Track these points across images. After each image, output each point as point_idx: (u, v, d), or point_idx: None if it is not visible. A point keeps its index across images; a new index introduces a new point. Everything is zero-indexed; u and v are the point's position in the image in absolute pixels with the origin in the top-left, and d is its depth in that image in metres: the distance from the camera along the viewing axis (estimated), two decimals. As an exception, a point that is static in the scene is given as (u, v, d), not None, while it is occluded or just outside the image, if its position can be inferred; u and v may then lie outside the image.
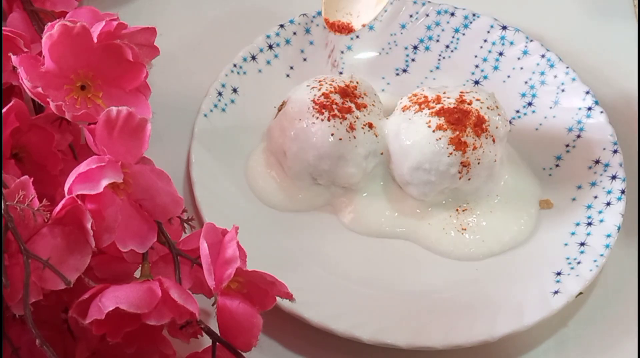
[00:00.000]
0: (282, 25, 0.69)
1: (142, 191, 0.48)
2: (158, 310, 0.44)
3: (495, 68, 0.69)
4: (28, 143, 0.51)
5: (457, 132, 0.58)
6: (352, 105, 0.61)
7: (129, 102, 0.51)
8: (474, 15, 0.69)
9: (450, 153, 0.58)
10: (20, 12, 0.59)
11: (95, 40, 0.49)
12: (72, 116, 0.49)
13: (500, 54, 0.69)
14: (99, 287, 0.44)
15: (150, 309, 0.43)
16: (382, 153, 0.61)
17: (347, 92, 0.61)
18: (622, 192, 0.60)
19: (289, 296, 0.47)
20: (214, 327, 0.47)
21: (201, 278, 0.49)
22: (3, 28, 0.52)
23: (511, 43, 0.68)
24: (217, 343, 0.47)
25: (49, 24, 0.49)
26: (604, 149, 0.63)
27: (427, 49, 0.70)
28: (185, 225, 0.52)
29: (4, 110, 0.48)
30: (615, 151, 0.62)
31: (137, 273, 0.49)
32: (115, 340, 0.45)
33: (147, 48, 0.54)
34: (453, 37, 0.70)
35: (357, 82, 0.63)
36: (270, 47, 0.68)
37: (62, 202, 0.44)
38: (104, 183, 0.44)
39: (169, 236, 0.50)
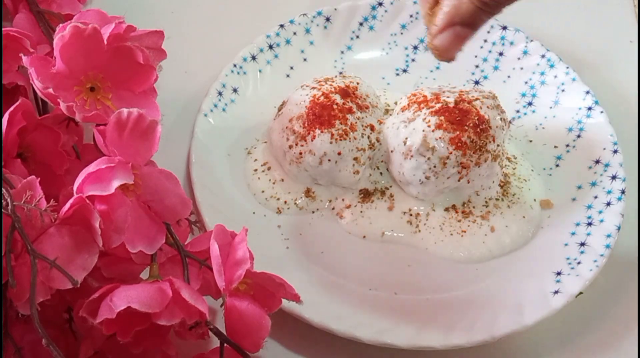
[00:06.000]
0: (282, 25, 0.69)
1: (151, 192, 0.48)
2: (169, 310, 0.44)
3: (495, 68, 0.69)
4: (33, 142, 0.52)
5: (457, 132, 0.58)
6: (353, 106, 0.61)
7: (138, 104, 0.51)
8: (474, 15, 0.69)
9: (450, 153, 0.58)
10: (26, 13, 0.60)
11: (105, 42, 0.50)
12: (82, 116, 0.49)
13: (500, 54, 0.69)
14: (109, 287, 0.44)
15: (161, 309, 0.43)
16: (382, 161, 0.62)
17: (348, 93, 0.61)
18: (622, 192, 0.60)
19: (296, 299, 0.47)
20: (220, 328, 0.47)
21: (209, 280, 0.49)
22: (9, 28, 0.52)
23: (511, 43, 0.68)
24: (225, 344, 0.47)
25: (61, 25, 0.50)
26: (604, 149, 0.63)
27: (427, 49, 0.70)
28: (193, 226, 0.52)
29: (11, 109, 0.48)
30: (615, 151, 0.62)
31: (144, 274, 0.49)
32: (125, 340, 0.45)
33: (155, 51, 0.54)
34: (453, 37, 0.70)
35: (358, 83, 0.63)
36: (270, 47, 0.68)
37: (70, 201, 0.44)
38: (115, 183, 0.44)
39: (177, 237, 0.50)
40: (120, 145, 0.47)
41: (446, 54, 0.49)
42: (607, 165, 0.62)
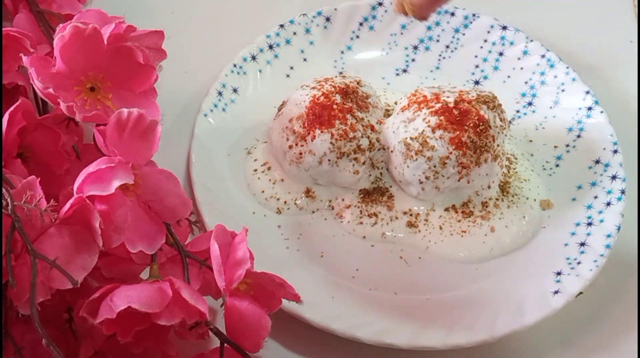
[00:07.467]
0: (282, 25, 0.69)
1: (151, 192, 0.48)
2: (169, 310, 0.44)
3: (495, 68, 0.69)
4: (33, 142, 0.52)
5: (457, 132, 0.58)
6: (354, 106, 0.61)
7: (138, 104, 0.51)
8: (474, 15, 0.69)
9: (450, 153, 0.58)
10: (26, 13, 0.60)
11: (105, 42, 0.50)
12: (82, 116, 0.49)
13: (500, 54, 0.69)
14: (109, 287, 0.44)
15: (161, 309, 0.43)
16: (382, 161, 0.62)
17: (348, 93, 0.61)
18: (622, 192, 0.60)
19: (297, 298, 0.47)
20: (220, 328, 0.47)
21: (209, 280, 0.49)
22: (9, 28, 0.52)
23: (511, 43, 0.68)
24: (225, 344, 0.47)
25: (61, 25, 0.50)
26: (604, 149, 0.63)
27: (427, 49, 0.70)
28: (193, 226, 0.52)
29: (11, 109, 0.48)
30: (615, 151, 0.62)
31: (144, 274, 0.49)
32: (125, 340, 0.45)
33: (155, 51, 0.54)
34: (453, 37, 0.70)
35: (358, 83, 0.63)
36: (270, 47, 0.68)
37: (70, 201, 0.44)
38: (116, 183, 0.44)
39: (177, 237, 0.50)
40: (120, 145, 0.47)
41: (421, 12, 0.47)
42: (607, 165, 0.62)
